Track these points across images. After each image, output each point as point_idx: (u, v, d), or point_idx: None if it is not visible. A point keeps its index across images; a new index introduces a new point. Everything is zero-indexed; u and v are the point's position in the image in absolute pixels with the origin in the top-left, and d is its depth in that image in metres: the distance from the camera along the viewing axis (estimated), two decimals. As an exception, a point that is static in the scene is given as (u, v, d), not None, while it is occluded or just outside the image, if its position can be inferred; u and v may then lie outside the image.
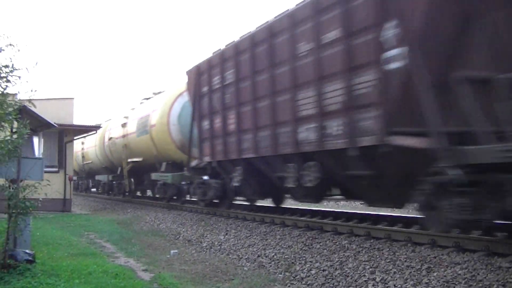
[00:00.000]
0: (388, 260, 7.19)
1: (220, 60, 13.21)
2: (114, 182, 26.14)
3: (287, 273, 8.12)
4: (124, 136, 22.25)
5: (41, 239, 10.55)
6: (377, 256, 7.47)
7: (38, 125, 15.59)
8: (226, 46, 13.24)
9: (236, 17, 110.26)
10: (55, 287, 6.46)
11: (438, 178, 7.10)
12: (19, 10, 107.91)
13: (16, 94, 7.79)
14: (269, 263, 8.86)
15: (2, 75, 7.17)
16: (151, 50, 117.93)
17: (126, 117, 22.86)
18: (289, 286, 7.58)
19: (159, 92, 21.13)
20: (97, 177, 30.14)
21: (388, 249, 7.63)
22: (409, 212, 12.14)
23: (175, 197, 19.02)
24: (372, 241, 8.28)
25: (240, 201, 14.75)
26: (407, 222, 9.26)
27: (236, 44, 12.53)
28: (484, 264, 6.18)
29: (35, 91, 7.30)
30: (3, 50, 7.16)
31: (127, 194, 25.08)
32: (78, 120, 27.21)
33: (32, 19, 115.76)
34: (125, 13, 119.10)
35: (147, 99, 22.43)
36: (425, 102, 7.13)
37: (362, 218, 10.39)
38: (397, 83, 7.68)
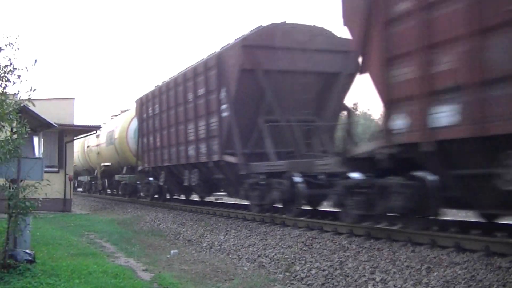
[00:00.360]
0: (388, 260, 7.19)
1: (152, 96, 18.96)
2: (92, 182, 31.29)
3: (287, 273, 8.13)
4: (97, 145, 27.49)
5: (41, 239, 10.54)
6: (377, 256, 7.46)
7: (38, 125, 15.60)
8: (162, 82, 18.24)
9: (235, 16, 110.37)
10: (55, 287, 6.46)
11: (250, 180, 12.20)
12: (19, 10, 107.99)
13: (16, 94, 7.78)
14: (269, 263, 8.86)
15: (2, 74, 7.17)
16: (151, 49, 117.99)
17: (100, 130, 27.18)
18: (289, 286, 7.58)
19: (126, 110, 26.40)
20: (79, 178, 35.29)
21: (388, 249, 7.62)
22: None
23: (134, 194, 24.05)
24: (372, 241, 8.28)
25: (178, 196, 20.44)
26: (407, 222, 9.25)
27: (160, 87, 18.20)
28: (484, 264, 6.17)
29: (35, 90, 7.30)
30: (3, 49, 7.17)
31: (102, 192, 29.89)
32: (79, 120, 28.12)
33: (32, 19, 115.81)
34: (126, 12, 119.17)
35: (116, 115, 28.08)
36: (234, 136, 12.62)
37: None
38: (226, 125, 13.00)
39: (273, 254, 9.18)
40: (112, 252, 10.60)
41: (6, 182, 7.68)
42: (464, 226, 8.12)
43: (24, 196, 7.21)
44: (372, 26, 7.71)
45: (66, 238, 11.70)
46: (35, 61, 7.27)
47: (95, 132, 24.01)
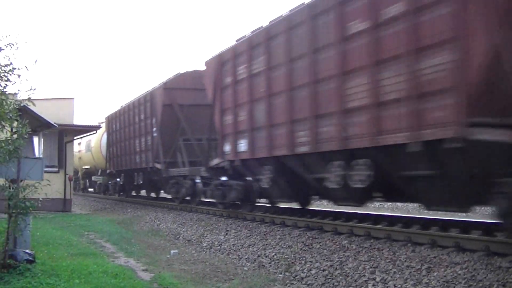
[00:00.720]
0: (388, 260, 7.19)
1: (115, 116, 24.76)
2: (76, 182, 35.69)
3: (287, 273, 8.12)
4: (79, 151, 33.02)
5: (41, 239, 10.54)
6: (377, 256, 7.46)
7: (38, 125, 15.55)
8: (125, 104, 23.74)
9: (236, 14, 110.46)
10: (55, 287, 6.46)
11: (172, 180, 17.80)
12: (19, 9, 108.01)
13: (16, 93, 7.77)
14: (269, 263, 8.86)
15: (2, 74, 7.16)
16: (150, 48, 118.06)
17: (81, 138, 31.77)
18: (289, 286, 7.58)
19: (102, 122, 30.71)
20: None
21: (388, 249, 7.63)
22: (408, 212, 12.15)
23: (106, 192, 28.91)
24: (372, 241, 8.28)
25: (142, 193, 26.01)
26: (407, 222, 9.27)
27: (120, 109, 23.94)
28: (484, 264, 6.17)
29: (35, 89, 7.29)
30: (3, 49, 7.15)
31: (84, 190, 35.55)
32: (78, 120, 28.73)
33: (32, 18, 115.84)
34: (125, 11, 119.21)
35: None
36: (159, 150, 18.38)
37: (362, 218, 10.40)
38: (155, 142, 18.81)
39: (273, 254, 9.18)
40: (112, 252, 10.60)
41: (6, 182, 7.67)
42: (464, 226, 8.13)
43: (24, 196, 7.21)
44: (216, 90, 13.26)
45: (66, 238, 11.69)
46: (35, 61, 7.26)
47: (94, 132, 24.08)
